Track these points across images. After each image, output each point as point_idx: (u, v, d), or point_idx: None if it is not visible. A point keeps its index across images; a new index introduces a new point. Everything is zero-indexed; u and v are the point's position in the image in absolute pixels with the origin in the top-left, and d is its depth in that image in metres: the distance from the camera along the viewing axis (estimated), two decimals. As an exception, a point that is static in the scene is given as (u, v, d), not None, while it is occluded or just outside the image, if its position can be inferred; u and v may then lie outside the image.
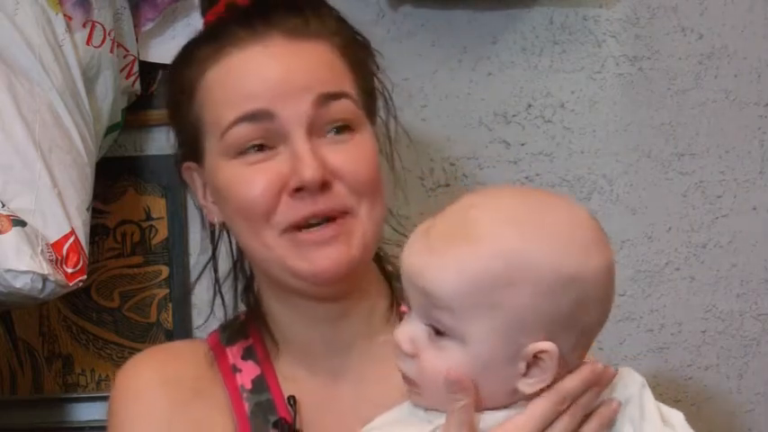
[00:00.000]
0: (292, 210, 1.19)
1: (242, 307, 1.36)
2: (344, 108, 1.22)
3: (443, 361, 0.99)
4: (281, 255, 1.20)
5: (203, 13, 1.32)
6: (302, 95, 1.19)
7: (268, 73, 1.21)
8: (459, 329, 0.98)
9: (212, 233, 1.34)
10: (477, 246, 0.98)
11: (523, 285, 0.97)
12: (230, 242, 1.34)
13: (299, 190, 1.18)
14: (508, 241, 0.97)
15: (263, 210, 1.19)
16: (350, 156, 1.21)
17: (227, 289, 1.35)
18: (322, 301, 1.25)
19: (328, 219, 1.20)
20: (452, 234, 0.99)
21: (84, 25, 1.57)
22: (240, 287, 1.34)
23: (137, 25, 1.69)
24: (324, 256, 1.19)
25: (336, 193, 1.19)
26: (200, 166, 1.28)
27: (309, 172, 1.17)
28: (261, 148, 1.20)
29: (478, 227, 0.98)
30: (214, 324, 1.38)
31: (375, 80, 1.31)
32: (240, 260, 1.34)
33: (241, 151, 1.21)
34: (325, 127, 1.21)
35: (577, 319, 0.99)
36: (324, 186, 1.18)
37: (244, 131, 1.20)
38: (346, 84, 1.24)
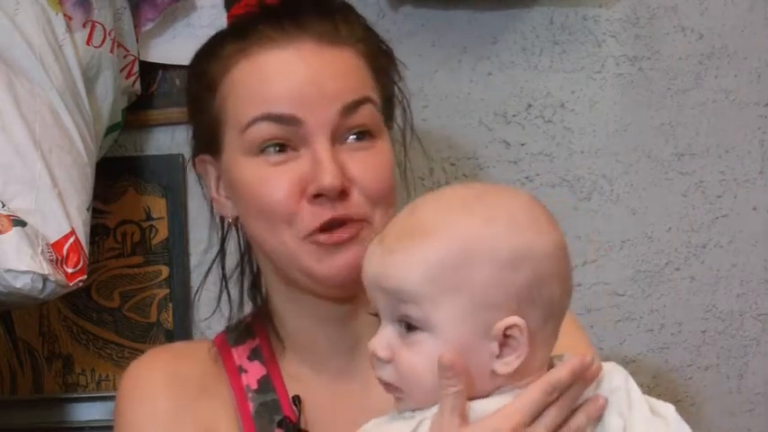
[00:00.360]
0: (312, 215, 1.20)
1: (247, 303, 1.36)
2: (367, 114, 1.23)
3: (418, 356, 1.01)
4: (300, 257, 1.21)
5: (227, 8, 1.32)
6: (329, 104, 1.21)
7: (298, 77, 1.21)
8: (428, 319, 1.00)
9: (222, 228, 1.34)
10: (432, 235, 1.01)
11: (481, 263, 0.99)
12: (238, 237, 1.34)
13: (318, 196, 1.20)
14: (461, 225, 1.01)
15: (285, 213, 1.20)
16: (369, 165, 1.22)
17: (232, 285, 1.36)
18: (331, 301, 1.26)
19: (343, 222, 1.21)
20: (407, 233, 1.02)
21: (84, 25, 1.58)
22: (247, 283, 1.35)
23: (137, 25, 1.69)
24: (338, 259, 1.20)
25: (354, 201, 1.21)
26: (215, 159, 1.28)
27: (329, 179, 1.18)
28: (282, 148, 1.21)
29: (431, 221, 1.02)
30: (216, 319, 1.38)
31: (396, 88, 1.32)
32: (248, 255, 1.34)
33: (262, 149, 1.22)
34: (346, 133, 1.22)
35: (539, 292, 1.01)
36: (342, 193, 1.20)
37: (266, 129, 1.21)
38: (369, 90, 1.25)
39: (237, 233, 1.34)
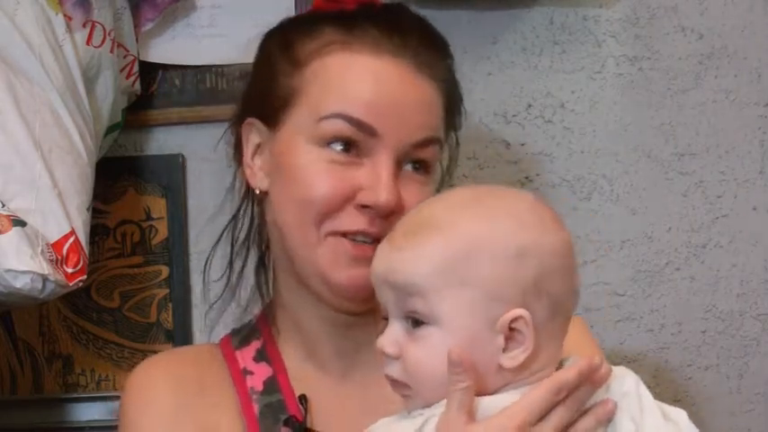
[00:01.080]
0: (352, 219, 1.21)
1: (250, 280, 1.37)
2: (432, 151, 1.26)
3: (425, 350, 1.02)
4: (318, 255, 1.22)
5: None
6: (409, 132, 1.23)
7: (391, 94, 1.23)
8: (434, 312, 1.01)
9: (244, 196, 1.35)
10: (438, 232, 1.03)
11: (485, 258, 1.01)
12: (252, 210, 1.34)
13: (365, 206, 1.21)
14: (465, 222, 1.03)
15: (325, 210, 1.21)
16: (417, 197, 1.23)
17: (235, 281, 1.37)
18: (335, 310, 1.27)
19: (373, 240, 1.22)
20: (414, 231, 1.04)
21: (84, 25, 1.58)
22: (254, 259, 1.36)
23: (137, 25, 1.70)
24: (355, 270, 1.21)
25: (390, 224, 1.21)
26: (268, 128, 1.28)
27: (385, 195, 1.20)
28: (347, 149, 1.22)
29: (438, 219, 1.05)
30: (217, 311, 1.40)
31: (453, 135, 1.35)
32: (259, 231, 1.35)
33: (328, 143, 1.22)
34: (408, 160, 1.24)
35: (544, 287, 1.02)
36: (389, 214, 1.21)
37: (340, 127, 1.22)
38: (441, 131, 1.28)
39: (252, 212, 1.34)
